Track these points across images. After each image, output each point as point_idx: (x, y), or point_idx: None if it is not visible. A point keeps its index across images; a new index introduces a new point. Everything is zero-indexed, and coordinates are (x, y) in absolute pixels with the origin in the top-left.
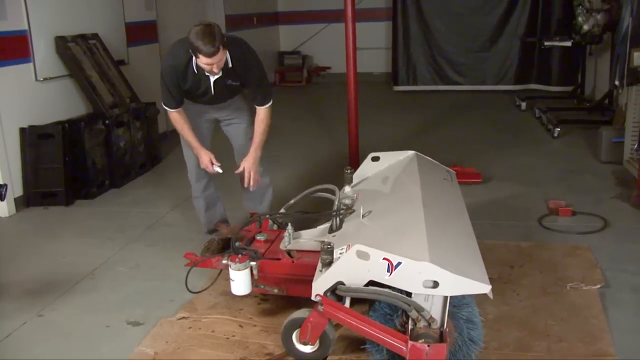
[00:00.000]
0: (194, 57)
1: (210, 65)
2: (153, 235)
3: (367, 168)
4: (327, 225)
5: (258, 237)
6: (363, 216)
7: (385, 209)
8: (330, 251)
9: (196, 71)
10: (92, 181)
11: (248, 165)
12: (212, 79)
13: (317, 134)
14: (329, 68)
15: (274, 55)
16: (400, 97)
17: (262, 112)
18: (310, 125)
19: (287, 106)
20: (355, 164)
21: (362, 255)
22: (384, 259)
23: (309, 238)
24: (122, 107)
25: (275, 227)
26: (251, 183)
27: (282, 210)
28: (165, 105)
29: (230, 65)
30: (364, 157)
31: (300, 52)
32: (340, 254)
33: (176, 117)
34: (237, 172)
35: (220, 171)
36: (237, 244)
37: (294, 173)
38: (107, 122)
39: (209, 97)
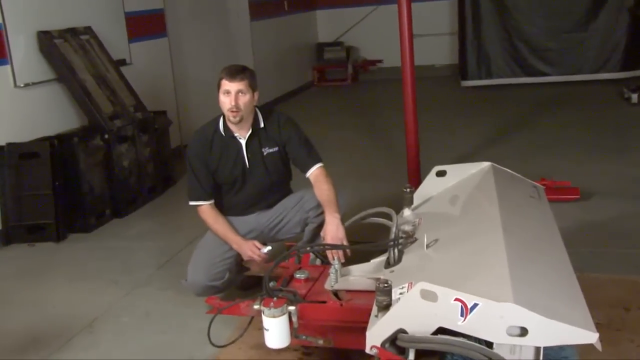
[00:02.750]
0: (220, 123)
1: (232, 95)
2: (166, 276)
3: (430, 185)
4: (382, 258)
5: (297, 275)
6: (427, 246)
7: (455, 236)
8: (387, 291)
9: (223, 133)
10: (89, 210)
11: (331, 235)
12: (243, 142)
13: (367, 146)
14: (379, 62)
15: (310, 48)
16: (470, 94)
17: (319, 174)
18: (358, 134)
19: (328, 111)
20: (416, 181)
21: (428, 296)
22: (455, 299)
23: (360, 275)
24: (125, 117)
25: (318, 262)
26: (340, 258)
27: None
28: (194, 200)
29: (262, 125)
30: (427, 171)
31: (344, 42)
32: (401, 294)
33: (207, 211)
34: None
35: (270, 248)
36: (271, 284)
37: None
38: (106, 136)
39: (244, 178)
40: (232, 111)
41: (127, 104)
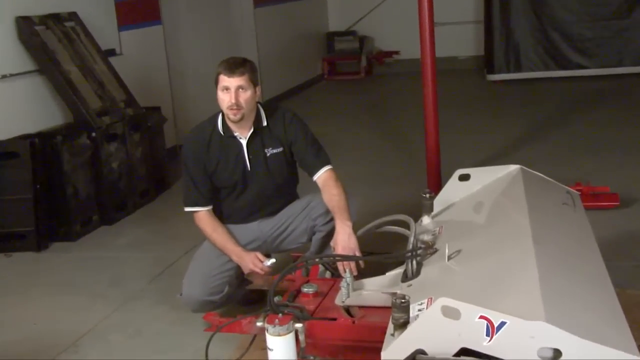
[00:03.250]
0: (219, 121)
1: (232, 92)
2: (160, 290)
3: (452, 191)
4: (399, 270)
5: (305, 290)
6: (449, 258)
7: (480, 247)
8: (404, 307)
9: (222, 133)
10: (74, 217)
11: (342, 244)
12: (244, 142)
13: (382, 146)
14: (396, 53)
15: (320, 38)
16: (497, 89)
17: (328, 178)
18: (372, 133)
19: (339, 108)
20: (436, 186)
21: (450, 313)
22: (480, 317)
23: (374, 289)
24: (115, 114)
25: (328, 274)
26: (353, 270)
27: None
28: (189, 205)
29: (265, 123)
30: (448, 175)
31: (357, 32)
32: (419, 311)
33: (205, 219)
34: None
35: (274, 261)
36: (276, 298)
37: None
38: (93, 134)
39: (245, 182)
40: (232, 109)
41: (116, 99)
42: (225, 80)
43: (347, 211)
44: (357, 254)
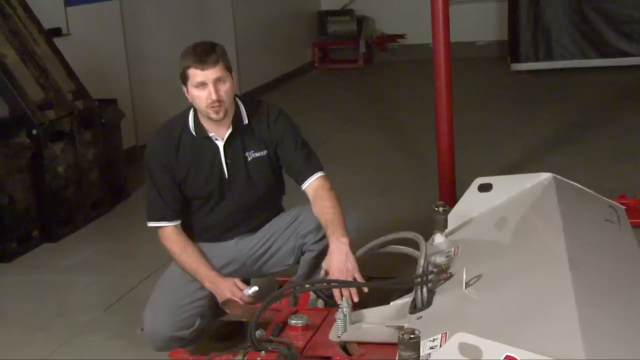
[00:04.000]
0: (190, 119)
1: (210, 87)
2: (115, 322)
3: (471, 203)
4: (407, 299)
5: (293, 322)
6: (467, 285)
7: (504, 272)
8: (414, 344)
9: (194, 133)
10: (9, 232)
11: (338, 266)
12: (221, 144)
13: (385, 149)
14: (402, 37)
15: (310, 18)
16: (524, 81)
17: (320, 187)
18: (374, 133)
19: (333, 102)
20: (451, 198)
21: (469, 351)
22: (506, 357)
23: (377, 322)
24: (61, 107)
25: (320, 303)
26: (353, 297)
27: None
28: (154, 219)
29: (245, 121)
30: (465, 184)
31: (354, 11)
32: (432, 348)
33: (172, 236)
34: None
35: (257, 289)
36: (258, 332)
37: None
38: (34, 132)
39: (222, 192)
40: (215, 106)
41: (63, 89)
42: (198, 75)
43: (343, 226)
44: (357, 278)
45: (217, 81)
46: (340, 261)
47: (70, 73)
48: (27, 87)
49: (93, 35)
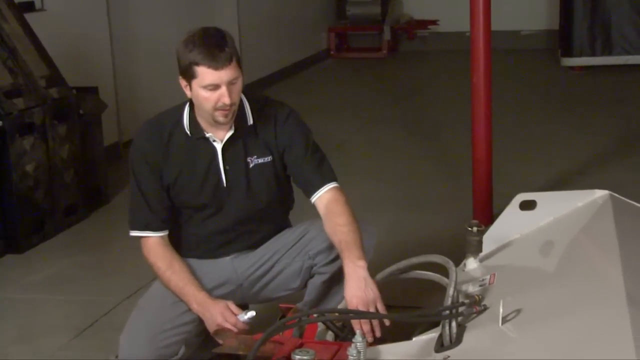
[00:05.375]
0: (184, 116)
1: (224, 89)
2: (89, 348)
3: (511, 223)
4: (432, 335)
5: (297, 357)
6: (504, 320)
7: (548, 307)
8: None
9: (189, 132)
10: None
11: (357, 294)
12: (219, 147)
13: (411, 154)
14: (434, 23)
15: (325, 0)
16: (577, 79)
17: (332, 200)
18: (398, 136)
19: (351, 98)
20: (487, 216)
21: None
22: None
23: (396, 359)
24: (31, 95)
25: (330, 336)
26: (375, 332)
27: (344, 305)
28: (137, 228)
29: (250, 122)
30: (505, 200)
31: None
32: None
33: (157, 249)
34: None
35: (254, 314)
36: None
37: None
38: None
39: (219, 202)
40: (225, 110)
41: (35, 74)
42: (209, 76)
43: (360, 247)
44: (379, 308)
45: (231, 83)
46: (359, 288)
47: (44, 55)
48: None
49: (72, 11)
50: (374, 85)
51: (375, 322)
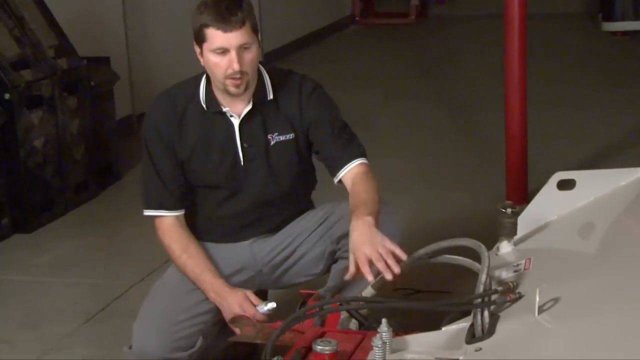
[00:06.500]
0: (201, 89)
1: (233, 54)
2: (99, 335)
3: (547, 204)
4: (463, 325)
5: (319, 347)
6: (541, 309)
7: (588, 294)
8: None
9: (205, 106)
10: None
11: (363, 239)
12: (237, 122)
13: (440, 128)
14: None
15: None
16: (618, 45)
17: (358, 172)
18: (427, 109)
19: (377, 67)
20: (522, 196)
21: None
22: None
23: (424, 352)
24: (40, 66)
25: (353, 324)
26: (394, 270)
27: (369, 291)
28: (151, 207)
29: (270, 96)
30: (541, 179)
31: None
32: None
33: (172, 230)
34: (349, 276)
35: (274, 305)
36: (275, 359)
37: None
38: (6, 97)
39: (236, 183)
40: (235, 78)
41: (43, 44)
42: (218, 38)
43: (373, 210)
44: (389, 246)
45: (242, 48)
46: (365, 234)
47: (53, 24)
48: None
49: None
50: (400, 53)
51: (392, 263)
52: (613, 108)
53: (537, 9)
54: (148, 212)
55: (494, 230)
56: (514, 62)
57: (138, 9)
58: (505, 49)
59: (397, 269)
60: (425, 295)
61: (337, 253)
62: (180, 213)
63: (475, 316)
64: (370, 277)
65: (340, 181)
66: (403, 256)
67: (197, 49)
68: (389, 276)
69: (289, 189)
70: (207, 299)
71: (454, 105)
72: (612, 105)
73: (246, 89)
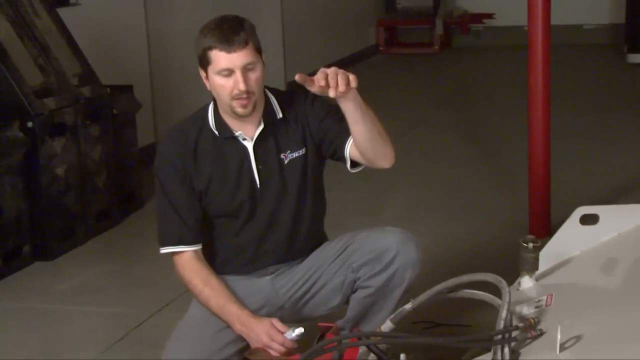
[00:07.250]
0: (209, 116)
1: (238, 75)
2: None
3: (570, 239)
4: None
5: None
6: (562, 347)
7: (611, 332)
8: None
9: (216, 132)
10: None
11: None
12: (250, 145)
13: (462, 158)
14: (489, 16)
15: None
16: None
17: None
18: (448, 138)
19: (400, 97)
20: (545, 230)
21: None
22: None
23: None
24: (63, 95)
25: (372, 358)
26: (338, 84)
27: (388, 325)
28: (169, 244)
29: (279, 115)
30: (564, 211)
31: None
32: None
33: (191, 265)
34: (297, 77)
35: (303, 331)
36: None
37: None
38: (29, 125)
39: (254, 207)
40: (242, 99)
41: (67, 72)
42: (223, 59)
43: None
44: (351, 78)
45: (246, 68)
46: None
47: (77, 52)
48: (23, 69)
49: (107, 6)
50: (423, 83)
51: (341, 81)
52: (638, 141)
53: (562, 39)
54: (165, 250)
55: (515, 264)
56: (538, 93)
57: (162, 39)
58: (529, 79)
59: (342, 88)
60: (445, 329)
61: (356, 282)
62: (198, 247)
63: (495, 353)
64: (314, 84)
65: (352, 163)
66: (353, 83)
67: (203, 74)
68: (332, 93)
69: (300, 203)
70: (234, 340)
71: (476, 135)
72: (637, 137)
73: (254, 109)
